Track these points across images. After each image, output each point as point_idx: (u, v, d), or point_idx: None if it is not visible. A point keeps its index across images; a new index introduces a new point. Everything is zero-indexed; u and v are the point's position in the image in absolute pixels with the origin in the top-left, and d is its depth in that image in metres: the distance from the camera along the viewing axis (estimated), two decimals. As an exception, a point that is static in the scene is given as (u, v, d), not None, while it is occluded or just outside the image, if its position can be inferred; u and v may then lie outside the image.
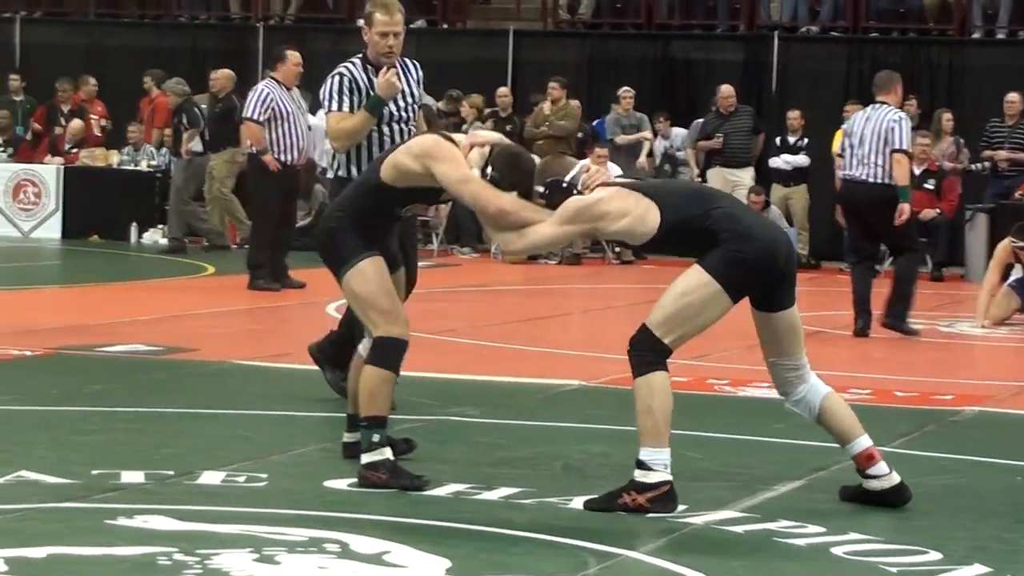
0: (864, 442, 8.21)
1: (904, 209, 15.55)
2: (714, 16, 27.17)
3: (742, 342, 14.70)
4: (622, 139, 25.10)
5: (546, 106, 24.65)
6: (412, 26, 28.24)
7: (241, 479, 8.32)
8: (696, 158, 24.84)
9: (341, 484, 8.27)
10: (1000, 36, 26.02)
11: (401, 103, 10.33)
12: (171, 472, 8.45)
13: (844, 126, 16.83)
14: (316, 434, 9.60)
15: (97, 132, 26.71)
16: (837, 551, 7.16)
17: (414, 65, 10.58)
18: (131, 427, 10.02)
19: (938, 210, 22.91)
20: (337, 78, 10.31)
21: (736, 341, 14.59)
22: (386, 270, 8.41)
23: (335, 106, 10.26)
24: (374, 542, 6.98)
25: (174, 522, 7.25)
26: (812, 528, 7.54)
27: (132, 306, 16.85)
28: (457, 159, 8.19)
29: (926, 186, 23.10)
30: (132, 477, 8.29)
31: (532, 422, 10.42)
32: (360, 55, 10.48)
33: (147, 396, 11.14)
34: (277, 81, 18.57)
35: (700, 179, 23.58)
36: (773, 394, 11.74)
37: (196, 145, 23.74)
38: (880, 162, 15.54)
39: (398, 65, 10.37)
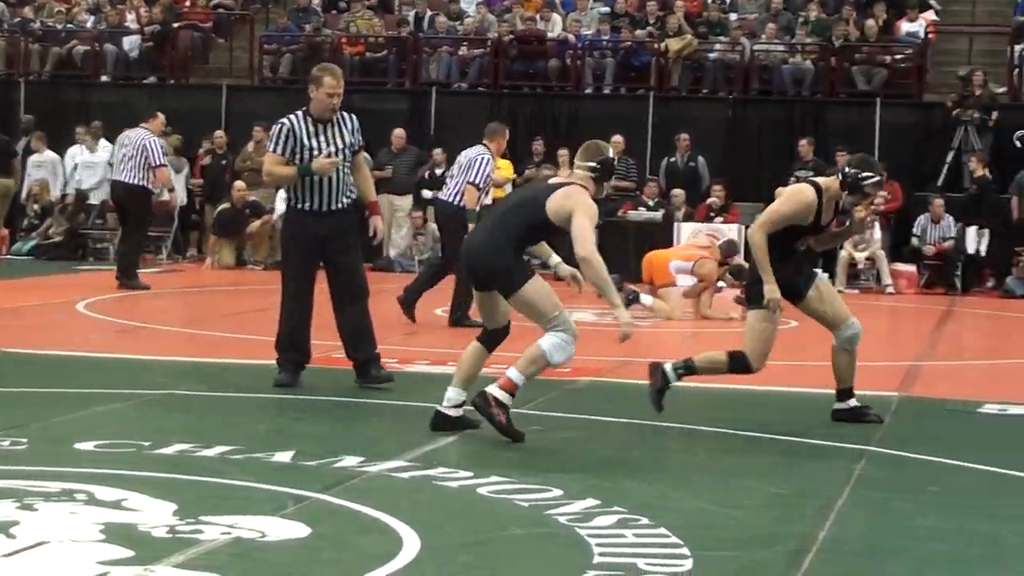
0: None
1: (469, 227, 15.50)
2: (385, 75, 27.18)
3: (404, 329, 14.78)
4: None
5: (251, 146, 24.42)
6: (145, 81, 27.89)
7: (6, 443, 8.08)
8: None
9: (88, 446, 8.07)
10: (606, 91, 26.46)
11: (340, 147, 10.31)
12: (-53, 439, 8.18)
13: None
14: (63, 405, 9.37)
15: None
16: (482, 491, 7.20)
17: (350, 117, 10.45)
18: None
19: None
20: (278, 127, 10.31)
21: (399, 329, 14.66)
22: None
23: (271, 148, 10.34)
24: (115, 491, 6.81)
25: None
26: (462, 473, 7.57)
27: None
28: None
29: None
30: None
31: (242, 394, 10.30)
32: (304, 109, 10.37)
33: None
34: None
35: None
36: (434, 369, 11.87)
37: None
38: (462, 188, 15.29)
39: (337, 117, 10.30)
